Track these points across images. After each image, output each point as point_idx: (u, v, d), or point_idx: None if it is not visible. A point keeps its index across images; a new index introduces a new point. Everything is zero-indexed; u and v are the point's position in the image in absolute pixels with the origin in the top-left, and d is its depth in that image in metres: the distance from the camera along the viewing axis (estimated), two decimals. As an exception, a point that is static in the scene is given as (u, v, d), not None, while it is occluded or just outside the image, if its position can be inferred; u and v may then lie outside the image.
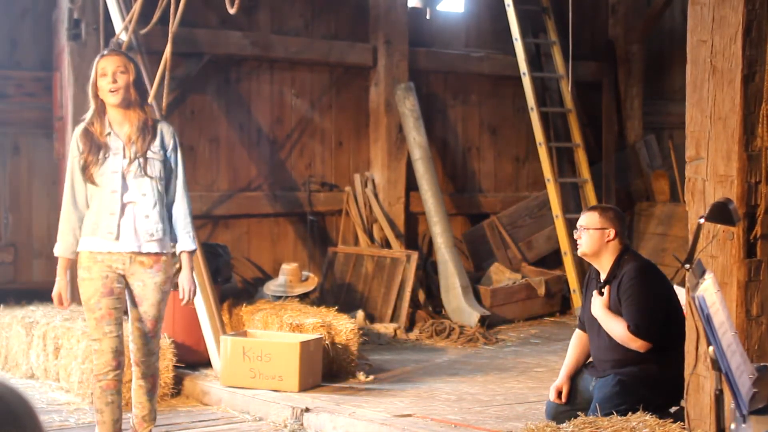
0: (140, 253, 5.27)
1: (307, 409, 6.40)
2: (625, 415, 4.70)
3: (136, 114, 5.27)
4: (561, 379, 5.43)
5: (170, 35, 7.53)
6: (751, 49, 4.63)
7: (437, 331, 9.24)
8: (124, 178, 5.22)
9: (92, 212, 5.25)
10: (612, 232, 5.30)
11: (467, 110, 11.04)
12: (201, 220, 9.01)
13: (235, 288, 9.03)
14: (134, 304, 5.37)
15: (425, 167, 10.02)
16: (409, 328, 9.44)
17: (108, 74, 5.22)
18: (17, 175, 8.87)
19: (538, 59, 11.18)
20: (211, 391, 7.02)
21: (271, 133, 9.82)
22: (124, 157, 5.22)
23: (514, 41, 10.38)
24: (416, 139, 10.05)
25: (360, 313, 9.23)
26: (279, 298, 8.55)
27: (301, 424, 6.34)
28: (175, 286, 5.51)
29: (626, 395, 5.08)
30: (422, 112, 10.18)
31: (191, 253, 5.40)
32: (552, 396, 5.43)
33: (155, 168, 5.25)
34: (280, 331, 7.36)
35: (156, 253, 5.30)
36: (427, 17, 10.84)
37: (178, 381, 7.13)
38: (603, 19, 11.67)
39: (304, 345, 6.93)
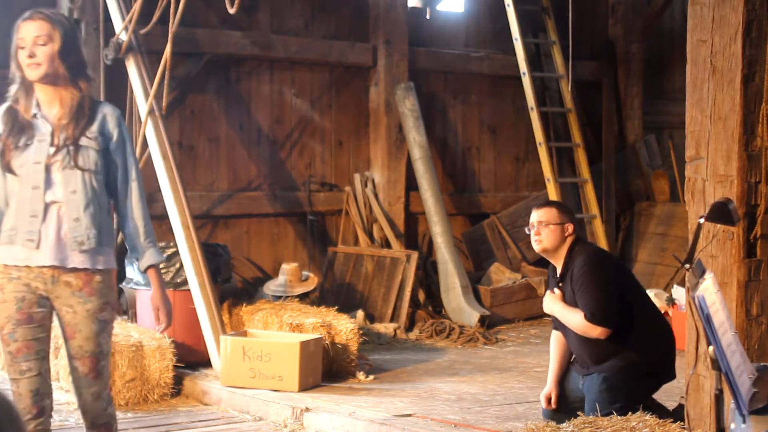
0: (65, 270, 4.15)
1: (307, 409, 6.40)
2: (622, 413, 4.70)
3: (69, 92, 4.17)
4: (549, 385, 5.44)
5: (170, 35, 7.54)
6: (751, 49, 4.63)
7: (437, 331, 9.24)
8: (48, 170, 4.13)
9: (11, 215, 4.17)
10: (570, 227, 5.32)
11: (467, 110, 11.04)
12: (201, 220, 9.01)
13: (235, 288, 9.03)
14: (66, 337, 4.28)
15: (425, 167, 10.02)
16: (409, 328, 9.44)
17: (26, 45, 4.15)
18: (17, 175, 8.86)
19: (538, 59, 11.18)
20: (211, 390, 7.03)
21: (271, 133, 9.82)
22: (52, 144, 4.14)
23: (514, 41, 10.38)
24: (416, 139, 10.05)
25: (360, 313, 9.23)
26: (279, 298, 8.56)
27: (301, 424, 6.35)
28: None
29: (615, 391, 5.09)
30: (422, 112, 10.18)
31: (157, 266, 4.34)
32: (543, 403, 5.44)
33: (89, 159, 4.15)
34: (280, 331, 7.36)
35: (86, 270, 4.16)
36: (427, 17, 10.83)
37: (178, 381, 7.13)
38: (603, 19, 11.67)
39: (304, 345, 6.93)
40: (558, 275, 5.36)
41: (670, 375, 5.30)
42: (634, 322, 5.18)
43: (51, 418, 4.34)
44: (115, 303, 4.35)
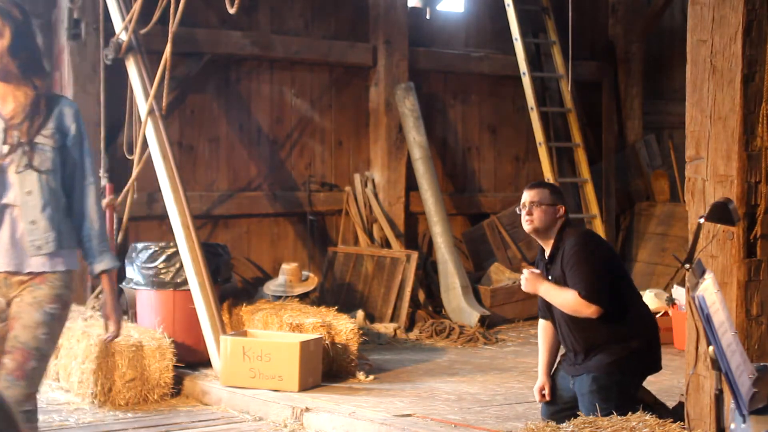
0: (21, 274, 3.93)
1: (307, 409, 6.40)
2: (620, 412, 4.70)
3: (22, 91, 3.95)
4: (541, 379, 5.40)
5: (170, 35, 7.54)
6: (751, 49, 4.63)
7: (437, 331, 9.24)
8: (2, 171, 3.91)
9: None
10: (562, 209, 5.30)
11: (467, 110, 11.04)
12: (201, 220, 9.01)
13: (235, 288, 9.03)
14: (7, 332, 3.93)
15: (425, 167, 10.02)
16: (409, 328, 9.44)
17: None
18: (17, 175, 8.86)
19: (538, 59, 11.19)
20: (211, 390, 7.03)
21: (271, 133, 9.82)
22: (4, 143, 3.91)
23: (514, 41, 10.39)
24: (416, 139, 10.05)
25: (360, 313, 9.23)
26: (279, 297, 8.56)
27: (301, 424, 6.35)
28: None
29: (606, 390, 5.06)
30: (422, 112, 10.19)
31: (110, 273, 4.10)
32: (536, 397, 5.42)
33: (46, 159, 3.93)
34: (280, 331, 7.36)
35: (43, 273, 3.95)
36: (427, 17, 10.84)
37: (178, 381, 7.13)
38: (603, 19, 11.67)
39: (304, 345, 6.93)
40: (547, 257, 5.31)
41: (657, 365, 5.27)
42: (622, 307, 5.15)
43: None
44: (69, 303, 4.05)
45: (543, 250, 5.38)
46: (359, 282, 9.70)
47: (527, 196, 5.34)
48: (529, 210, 5.29)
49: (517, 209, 5.42)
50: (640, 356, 5.17)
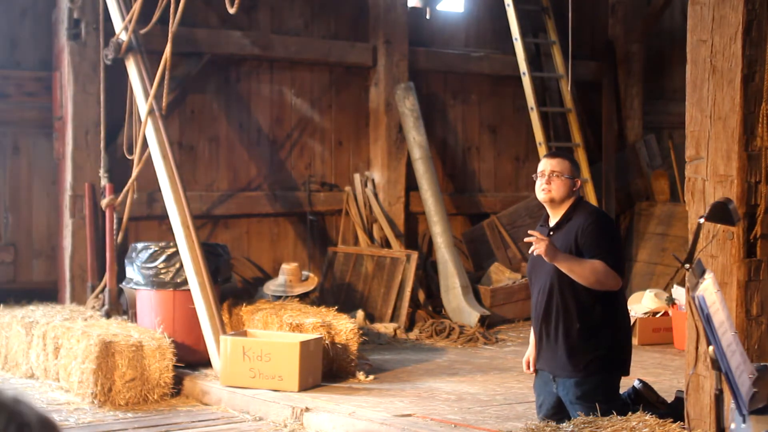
0: None
1: (307, 409, 6.40)
2: (611, 409, 4.68)
3: None
4: (530, 348, 5.32)
5: (170, 35, 7.54)
6: (751, 49, 4.63)
7: (437, 331, 9.24)
8: None
9: None
10: (578, 183, 5.24)
11: (467, 110, 11.05)
12: (201, 219, 9.01)
13: (235, 288, 9.03)
14: None
15: (425, 167, 10.02)
16: (409, 328, 9.44)
17: None
18: (17, 175, 8.87)
19: (538, 59, 11.19)
20: (211, 390, 7.03)
21: (271, 133, 9.82)
22: None
23: (514, 41, 10.39)
24: (416, 139, 10.05)
25: (360, 313, 9.23)
26: (279, 297, 8.56)
27: (301, 424, 6.35)
28: None
29: (590, 395, 5.00)
30: (422, 112, 10.19)
31: None
32: (524, 367, 5.35)
33: None
34: (280, 331, 7.36)
35: None
36: (427, 17, 10.84)
37: (178, 381, 7.13)
38: (603, 19, 11.67)
39: (304, 345, 6.93)
40: (553, 224, 5.20)
41: (626, 367, 5.20)
42: (611, 294, 5.10)
43: None
44: None
45: (547, 217, 5.28)
46: (359, 282, 9.70)
47: (548, 165, 5.19)
48: (549, 179, 5.18)
49: (533, 176, 5.29)
50: (612, 351, 5.11)
